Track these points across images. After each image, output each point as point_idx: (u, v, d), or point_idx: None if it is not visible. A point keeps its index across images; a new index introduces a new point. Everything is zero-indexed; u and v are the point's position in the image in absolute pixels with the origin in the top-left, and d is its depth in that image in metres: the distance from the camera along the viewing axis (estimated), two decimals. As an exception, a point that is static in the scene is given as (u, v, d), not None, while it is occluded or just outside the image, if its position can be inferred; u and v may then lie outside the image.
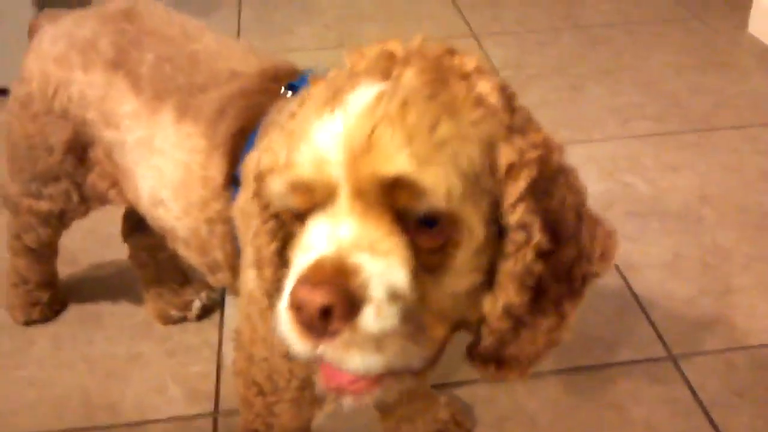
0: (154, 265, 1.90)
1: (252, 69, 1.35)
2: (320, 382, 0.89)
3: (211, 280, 1.43)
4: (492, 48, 3.30)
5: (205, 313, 1.95)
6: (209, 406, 1.70)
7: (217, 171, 1.29)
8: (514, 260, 0.86)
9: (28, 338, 1.91)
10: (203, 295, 1.95)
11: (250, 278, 1.17)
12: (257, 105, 1.29)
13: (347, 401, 0.88)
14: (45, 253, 1.85)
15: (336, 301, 0.77)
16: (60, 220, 1.68)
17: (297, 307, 0.79)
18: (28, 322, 1.93)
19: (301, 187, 0.84)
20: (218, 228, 1.31)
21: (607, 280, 2.01)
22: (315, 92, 0.90)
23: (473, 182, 0.82)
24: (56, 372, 1.81)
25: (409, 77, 0.84)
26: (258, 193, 0.97)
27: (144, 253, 1.89)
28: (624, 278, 2.03)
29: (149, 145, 1.37)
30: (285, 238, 0.97)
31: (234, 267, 1.32)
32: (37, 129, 1.52)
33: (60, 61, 1.46)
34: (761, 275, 2.04)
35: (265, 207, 0.96)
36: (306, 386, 1.23)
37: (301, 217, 0.87)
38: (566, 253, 0.90)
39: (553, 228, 0.88)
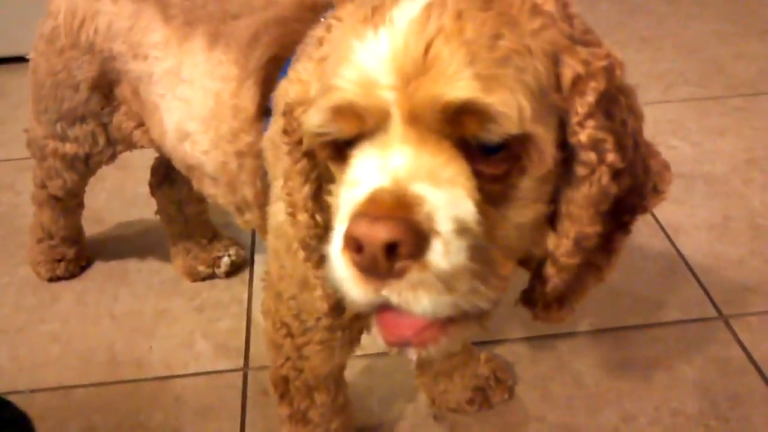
0: (182, 219, 1.84)
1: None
2: (379, 335, 0.79)
3: (239, 221, 1.36)
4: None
5: (234, 269, 1.89)
6: (239, 362, 1.64)
7: (249, 101, 1.22)
8: (588, 184, 0.78)
9: (52, 294, 1.86)
10: (232, 251, 1.88)
11: (278, 211, 1.09)
12: (293, 32, 1.20)
13: (411, 353, 0.78)
14: (70, 204, 1.80)
15: (402, 236, 0.68)
16: (86, 165, 1.62)
17: (356, 246, 0.70)
18: (53, 279, 1.88)
19: (347, 113, 0.74)
20: (248, 162, 1.24)
21: (653, 241, 1.93)
22: (347, 13, 0.81)
23: (540, 99, 0.74)
24: (81, 327, 1.76)
25: None
26: (288, 129, 0.88)
27: (172, 207, 1.83)
28: (670, 240, 1.94)
29: (177, 75, 1.30)
30: (319, 179, 0.88)
31: (264, 205, 1.25)
32: (62, 64, 1.46)
33: (85, -7, 1.40)
34: (814, 236, 1.94)
35: (297, 144, 0.87)
36: (336, 327, 1.14)
37: (341, 152, 0.79)
38: (619, 183, 0.81)
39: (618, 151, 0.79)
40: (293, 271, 1.10)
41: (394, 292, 0.71)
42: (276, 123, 1.13)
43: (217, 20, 1.28)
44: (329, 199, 0.85)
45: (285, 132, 0.89)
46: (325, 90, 0.76)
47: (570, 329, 1.67)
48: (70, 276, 1.90)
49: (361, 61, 0.73)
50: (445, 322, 0.76)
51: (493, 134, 0.71)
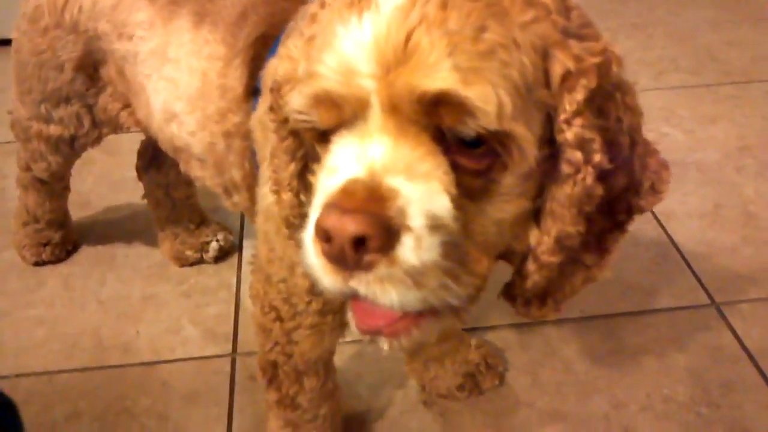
0: (169, 203, 1.82)
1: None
2: (352, 323, 0.79)
3: (227, 203, 1.33)
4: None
5: (222, 255, 1.87)
6: (227, 347, 1.62)
7: (236, 80, 1.20)
8: (572, 183, 0.75)
9: (38, 279, 1.84)
10: (220, 236, 1.86)
11: (267, 193, 1.06)
12: (281, 11, 1.18)
13: (383, 344, 0.78)
14: (56, 187, 1.77)
15: (371, 231, 0.67)
16: (71, 147, 1.59)
17: (325, 236, 0.69)
18: (39, 263, 1.86)
19: (326, 101, 0.73)
20: (236, 143, 1.21)
21: (645, 228, 1.92)
22: None
23: (525, 96, 0.71)
24: (67, 312, 1.74)
25: None
26: (274, 107, 0.86)
27: (159, 191, 1.80)
28: (662, 227, 1.92)
29: (163, 55, 1.28)
30: (305, 158, 0.87)
31: (252, 187, 1.23)
32: (46, 44, 1.43)
33: (69, -28, 1.37)
34: (808, 224, 1.93)
35: (283, 122, 0.86)
36: (327, 311, 1.12)
37: (324, 135, 0.77)
38: (615, 181, 0.79)
39: (607, 151, 0.76)
40: (283, 253, 1.08)
41: (361, 284, 0.70)
42: (264, 102, 1.11)
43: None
44: (312, 179, 0.82)
45: (272, 109, 0.87)
46: (307, 75, 0.75)
47: (560, 316, 1.66)
48: (56, 260, 1.87)
49: (343, 47, 0.72)
50: (417, 315, 0.75)
51: (470, 128, 0.69)
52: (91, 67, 1.43)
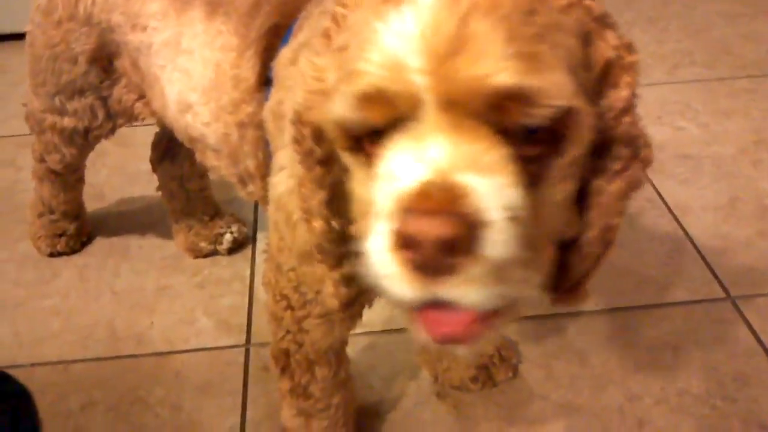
0: (184, 195, 1.82)
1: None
2: (421, 333, 0.74)
3: (242, 193, 1.34)
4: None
5: (236, 247, 1.87)
6: (241, 338, 1.62)
7: (249, 71, 1.20)
8: (621, 179, 0.77)
9: (53, 269, 1.85)
10: (234, 228, 1.86)
11: (278, 182, 1.06)
12: (293, 0, 1.18)
13: (460, 349, 0.75)
14: (70, 179, 1.78)
15: (459, 231, 0.64)
16: (85, 139, 1.60)
17: (409, 243, 0.65)
18: (54, 254, 1.87)
19: (376, 99, 0.68)
20: (250, 133, 1.21)
21: (661, 221, 1.91)
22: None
23: (575, 77, 0.70)
24: (81, 302, 1.75)
25: None
26: (298, 138, 0.83)
27: (174, 183, 1.81)
28: (678, 221, 1.91)
29: (177, 46, 1.28)
30: (333, 186, 0.85)
31: (266, 176, 1.23)
32: (60, 37, 1.43)
33: (85, -38, 1.38)
34: (824, 218, 1.92)
35: (309, 153, 0.83)
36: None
37: (360, 143, 0.74)
38: None
39: None
40: (292, 243, 1.08)
41: (446, 288, 0.67)
42: (277, 92, 1.11)
43: (217, -11, 1.25)
44: (357, 189, 0.79)
45: (296, 141, 0.84)
46: (347, 76, 0.71)
47: (575, 308, 1.65)
48: (71, 251, 1.88)
49: (387, 42, 0.68)
50: (490, 314, 0.72)
51: (538, 118, 0.67)
52: (105, 59, 1.43)
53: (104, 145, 1.72)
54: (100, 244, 1.93)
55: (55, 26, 1.44)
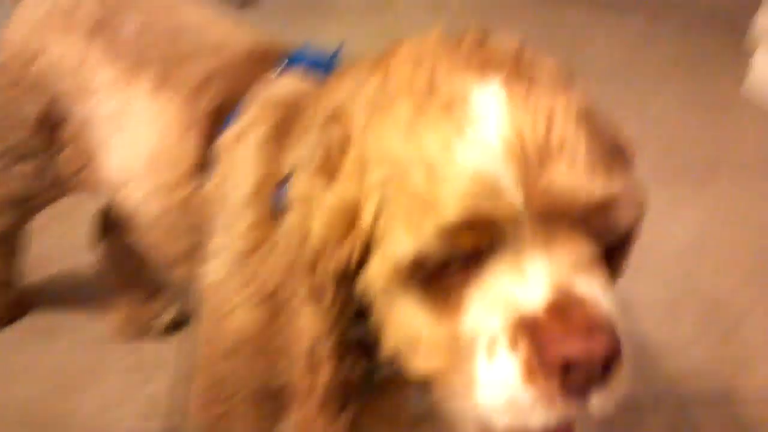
0: (123, 271, 1.76)
1: (239, 45, 1.23)
2: None
3: (171, 276, 1.29)
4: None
5: (173, 327, 1.81)
6: (174, 421, 1.55)
7: (190, 151, 1.16)
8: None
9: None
10: (173, 308, 1.81)
11: (209, 272, 1.04)
12: (241, 83, 1.16)
13: None
14: (7, 247, 1.71)
15: (616, 344, 0.62)
16: (27, 205, 1.55)
17: (567, 368, 0.62)
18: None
19: (472, 224, 0.64)
20: (184, 216, 1.17)
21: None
22: (394, 113, 0.70)
23: None
24: (-1, 384, 1.64)
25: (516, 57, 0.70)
26: (320, 272, 0.75)
27: (114, 258, 1.75)
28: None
29: (120, 120, 1.25)
30: (346, 323, 0.79)
31: (196, 262, 1.17)
32: (9, 100, 1.40)
33: (38, 28, 1.35)
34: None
35: (322, 292, 0.76)
36: (261, 399, 1.05)
37: (429, 278, 0.69)
38: None
39: None
40: (210, 336, 1.05)
41: (594, 405, 0.65)
42: (216, 175, 1.09)
43: (166, 64, 1.23)
44: (402, 330, 0.73)
45: (311, 282, 0.77)
46: (426, 205, 0.65)
47: None
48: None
49: (468, 160, 0.64)
50: None
51: (629, 220, 0.68)
52: (51, 126, 1.39)
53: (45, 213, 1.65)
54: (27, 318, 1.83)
55: (3, 89, 1.40)
